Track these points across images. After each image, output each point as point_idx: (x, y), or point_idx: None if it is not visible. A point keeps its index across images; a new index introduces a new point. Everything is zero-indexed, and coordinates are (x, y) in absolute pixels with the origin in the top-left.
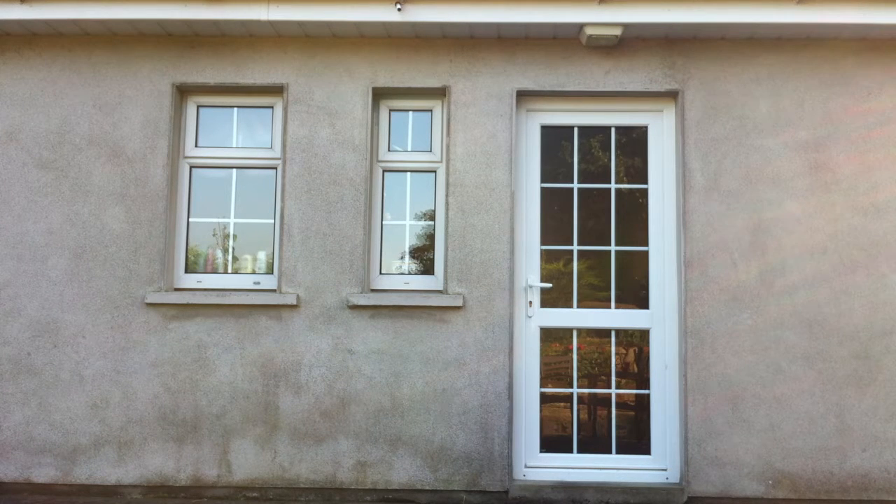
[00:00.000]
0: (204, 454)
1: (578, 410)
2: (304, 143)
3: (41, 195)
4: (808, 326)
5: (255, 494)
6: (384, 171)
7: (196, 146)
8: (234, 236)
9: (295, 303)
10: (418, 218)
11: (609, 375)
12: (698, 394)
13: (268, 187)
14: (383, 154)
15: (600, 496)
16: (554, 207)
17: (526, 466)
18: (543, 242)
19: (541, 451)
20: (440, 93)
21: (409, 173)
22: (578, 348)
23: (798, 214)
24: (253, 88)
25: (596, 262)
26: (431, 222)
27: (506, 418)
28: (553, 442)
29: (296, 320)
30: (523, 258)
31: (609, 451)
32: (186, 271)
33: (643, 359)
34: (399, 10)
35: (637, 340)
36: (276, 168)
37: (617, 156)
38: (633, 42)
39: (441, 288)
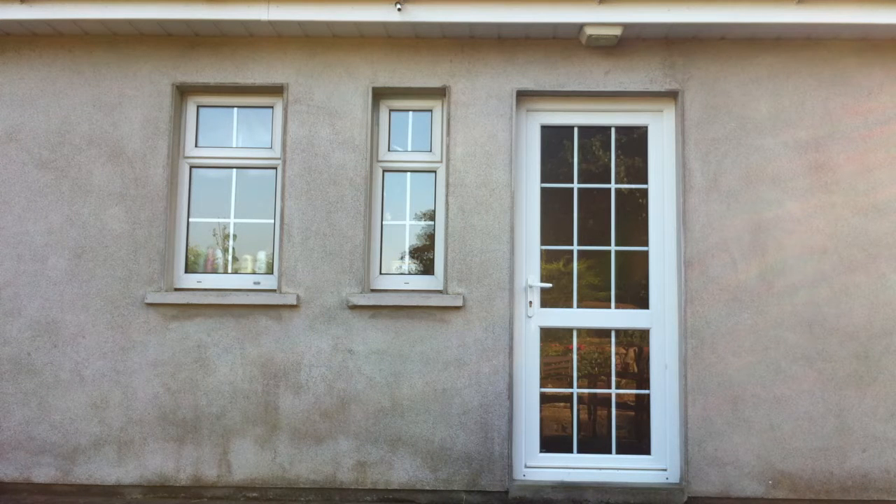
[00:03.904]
0: (204, 454)
1: (578, 410)
2: (304, 143)
3: (41, 195)
4: (808, 326)
5: (255, 494)
6: (384, 171)
7: (196, 146)
8: (234, 236)
9: (295, 303)
10: (418, 218)
11: (609, 375)
12: (698, 394)
13: (268, 187)
14: (383, 154)
15: (600, 496)
16: (554, 207)
17: (526, 466)
18: (543, 242)
19: (541, 451)
20: (440, 93)
21: (409, 173)
22: (578, 348)
23: (798, 214)
24: (253, 88)
25: (596, 262)
26: (431, 222)
27: (506, 418)
28: (553, 442)
29: (296, 320)
30: (523, 258)
31: (609, 452)
32: (186, 271)
33: (643, 359)
34: (399, 10)
35: (637, 340)
36: (276, 168)
37: (617, 156)
38: (632, 42)
39: (441, 288)
